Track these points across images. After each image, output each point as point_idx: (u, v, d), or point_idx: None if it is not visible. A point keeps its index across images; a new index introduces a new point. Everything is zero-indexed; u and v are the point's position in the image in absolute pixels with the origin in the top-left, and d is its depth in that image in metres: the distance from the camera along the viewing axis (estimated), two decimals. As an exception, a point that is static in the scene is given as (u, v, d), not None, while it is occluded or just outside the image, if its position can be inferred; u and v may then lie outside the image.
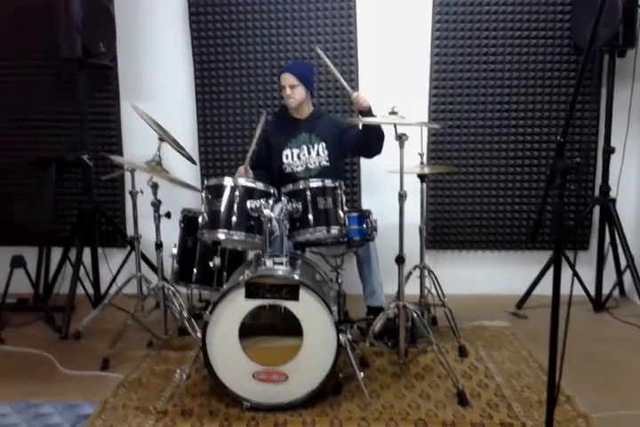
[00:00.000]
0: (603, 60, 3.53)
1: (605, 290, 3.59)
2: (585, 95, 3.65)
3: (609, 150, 3.49)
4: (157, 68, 3.90)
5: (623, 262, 3.49)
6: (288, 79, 3.16)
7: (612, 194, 3.53)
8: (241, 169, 3.14)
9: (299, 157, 3.28)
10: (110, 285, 3.74)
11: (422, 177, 3.03)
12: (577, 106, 3.64)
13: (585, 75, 3.51)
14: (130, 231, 3.64)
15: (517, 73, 3.69)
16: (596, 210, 3.62)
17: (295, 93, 3.17)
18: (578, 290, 3.50)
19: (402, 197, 2.57)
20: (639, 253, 3.48)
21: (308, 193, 2.53)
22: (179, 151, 3.08)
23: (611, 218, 3.48)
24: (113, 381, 2.65)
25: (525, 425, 2.20)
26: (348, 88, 2.97)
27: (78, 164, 3.68)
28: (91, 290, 3.77)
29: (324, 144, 3.26)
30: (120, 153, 3.96)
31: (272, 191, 2.58)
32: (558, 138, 1.76)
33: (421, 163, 3.05)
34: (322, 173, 3.22)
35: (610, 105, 3.47)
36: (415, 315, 2.62)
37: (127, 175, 3.51)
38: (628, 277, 3.52)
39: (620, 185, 3.56)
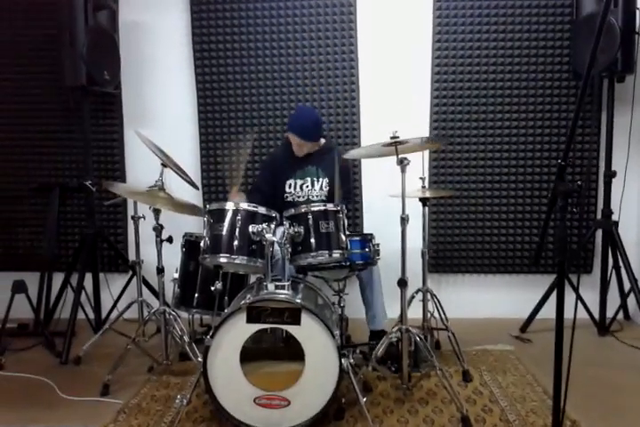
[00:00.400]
0: (602, 86, 3.58)
1: (609, 313, 3.56)
2: (585, 120, 3.69)
3: (610, 174, 3.51)
4: (161, 94, 3.95)
5: (627, 286, 3.47)
6: (295, 140, 3.26)
7: (615, 217, 3.54)
8: (233, 193, 3.18)
9: (302, 188, 3.33)
10: (111, 310, 3.73)
11: (424, 201, 3.04)
12: (577, 130, 3.68)
13: (585, 99, 3.55)
14: (132, 256, 3.64)
15: (518, 98, 3.73)
16: (599, 233, 3.62)
17: (303, 150, 3.29)
18: (582, 313, 3.47)
19: (404, 220, 2.57)
20: (643, 275, 3.46)
21: (310, 217, 2.54)
22: (181, 176, 3.10)
23: (613, 241, 3.48)
24: (113, 406, 2.62)
25: (531, 451, 2.16)
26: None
27: (81, 189, 3.70)
28: (92, 315, 3.75)
29: (327, 180, 3.33)
30: (123, 179, 3.99)
31: (274, 215, 2.59)
32: (559, 161, 1.77)
33: (423, 187, 3.07)
34: None
35: (610, 129, 3.50)
36: (418, 339, 2.61)
37: (130, 200, 3.54)
38: (631, 301, 3.50)
39: (621, 208, 3.56)
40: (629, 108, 3.57)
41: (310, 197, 3.33)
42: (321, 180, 3.33)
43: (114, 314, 3.60)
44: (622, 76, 3.42)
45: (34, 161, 4.00)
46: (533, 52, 3.69)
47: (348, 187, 3.44)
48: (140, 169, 3.90)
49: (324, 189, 3.33)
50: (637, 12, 3.28)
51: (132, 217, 3.29)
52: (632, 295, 3.41)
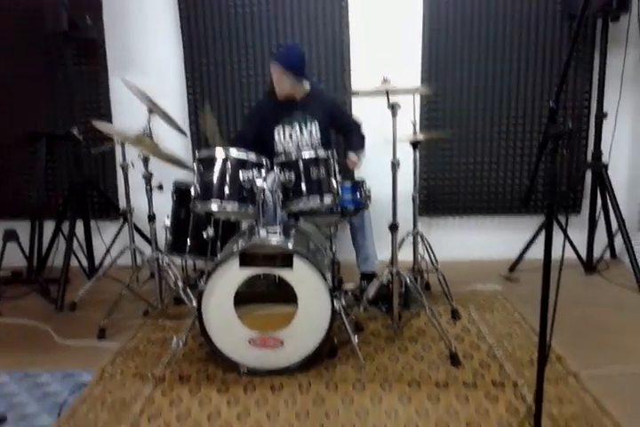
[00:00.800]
0: (596, 25, 3.50)
1: (597, 253, 3.63)
2: (578, 60, 3.62)
3: (601, 116, 3.49)
4: (145, 39, 3.84)
5: (614, 226, 3.51)
6: (277, 70, 3.11)
7: (605, 159, 3.54)
8: None
9: (290, 136, 3.25)
10: (104, 257, 3.75)
11: (415, 145, 3.03)
12: (570, 71, 3.61)
13: (578, 40, 3.47)
14: (122, 204, 3.64)
15: (510, 39, 3.65)
16: (589, 175, 3.63)
17: (282, 83, 3.13)
18: (569, 253, 3.55)
19: (394, 165, 2.57)
20: (630, 216, 3.51)
21: (301, 163, 2.52)
22: (169, 123, 3.06)
23: (603, 182, 3.50)
24: (110, 350, 2.68)
25: (517, 384, 2.25)
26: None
27: (68, 138, 3.66)
28: (85, 262, 3.78)
29: (317, 124, 3.24)
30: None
31: (264, 162, 2.57)
32: (550, 104, 1.75)
33: (414, 131, 3.04)
34: None
35: (603, 70, 3.45)
36: (408, 280, 2.65)
37: (118, 148, 3.50)
38: (619, 241, 3.55)
39: (612, 150, 3.56)
40: (622, 48, 3.50)
41: (300, 144, 3.25)
42: (309, 125, 3.23)
43: (107, 261, 3.62)
44: (617, 15, 3.34)
45: (19, 110, 3.92)
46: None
47: (346, 117, 3.37)
48: (127, 116, 3.81)
49: (315, 135, 3.25)
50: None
51: (121, 165, 3.28)
52: (619, 235, 3.45)
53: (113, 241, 3.74)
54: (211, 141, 3.21)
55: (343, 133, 3.34)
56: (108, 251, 3.72)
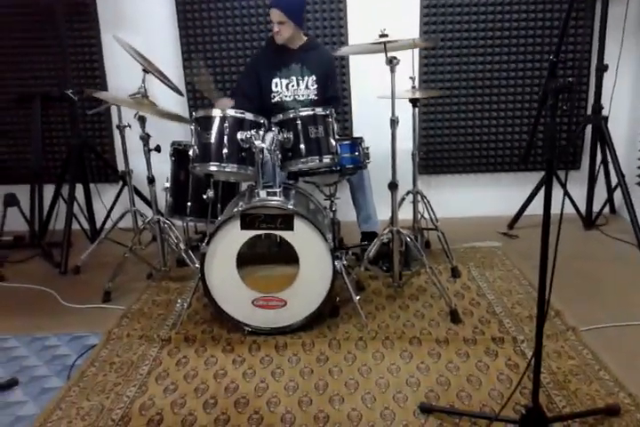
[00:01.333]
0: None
1: (596, 208, 3.64)
2: (579, 11, 3.53)
3: (602, 68, 3.42)
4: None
5: (614, 181, 3.50)
6: (276, 15, 3.05)
7: (605, 112, 3.50)
8: (220, 101, 3.14)
9: (287, 87, 3.23)
10: (105, 220, 3.76)
11: (414, 102, 2.98)
12: (570, 23, 3.52)
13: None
14: (120, 166, 3.62)
15: (511, -12, 3.56)
16: (589, 129, 3.60)
17: (282, 30, 3.08)
18: (569, 209, 3.56)
19: (393, 122, 2.54)
20: (630, 171, 3.50)
21: (299, 122, 2.50)
22: (164, 82, 3.00)
23: (602, 137, 3.47)
24: (115, 312, 2.72)
25: (516, 339, 2.29)
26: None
27: (63, 99, 3.60)
28: (86, 225, 3.79)
29: (314, 77, 3.21)
30: (104, 86, 3.87)
31: (262, 121, 2.55)
32: (551, 57, 1.71)
33: (413, 87, 2.99)
34: (311, 105, 3.17)
35: (604, 21, 3.36)
36: (409, 239, 2.67)
37: (114, 109, 3.45)
38: (618, 195, 3.55)
39: (612, 103, 3.51)
40: (625, -2, 3.40)
41: (297, 96, 3.23)
42: (306, 78, 3.21)
43: (108, 224, 3.64)
44: (621, -40, 3.24)
45: (11, 71, 3.85)
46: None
47: (334, 85, 3.36)
48: (122, 76, 3.77)
49: (311, 87, 3.22)
50: None
51: (118, 126, 3.24)
52: (619, 190, 3.45)
53: (113, 204, 3.74)
54: (208, 96, 3.16)
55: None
56: (108, 214, 3.74)
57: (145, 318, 2.66)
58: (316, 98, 3.22)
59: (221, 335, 2.43)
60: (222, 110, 2.49)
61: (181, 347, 2.37)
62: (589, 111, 3.59)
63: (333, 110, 2.58)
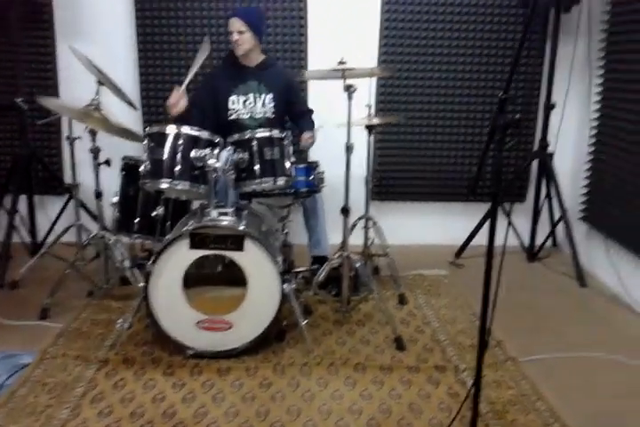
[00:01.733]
0: (548, 16, 3.54)
1: (539, 241, 3.75)
2: (530, 50, 3.68)
3: (550, 106, 3.56)
4: (96, 4, 3.66)
5: (557, 214, 3.62)
6: (236, 24, 3.05)
7: (551, 148, 3.63)
8: (173, 96, 2.95)
9: (244, 104, 3.22)
10: (48, 233, 3.63)
11: (370, 129, 3.03)
12: (521, 61, 3.66)
13: (530, 30, 3.51)
14: (68, 179, 3.52)
15: (466, 25, 3.67)
16: (535, 163, 3.72)
17: (243, 40, 3.07)
18: (513, 241, 3.65)
19: (349, 148, 2.57)
20: (573, 206, 3.63)
21: (255, 143, 2.50)
22: (119, 96, 2.96)
23: (548, 172, 3.59)
24: (52, 330, 2.62)
25: (458, 368, 2.32)
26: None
27: (12, 107, 3.49)
28: (28, 239, 3.65)
29: (271, 95, 3.21)
30: (56, 96, 3.77)
31: (217, 140, 2.53)
32: (500, 94, 1.78)
33: (369, 114, 3.04)
34: (267, 123, 3.18)
35: (553, 61, 3.51)
36: (358, 265, 2.68)
37: (65, 120, 3.37)
38: (560, 229, 3.67)
39: (558, 140, 3.65)
40: (573, 39, 3.56)
41: (253, 114, 3.22)
42: (263, 96, 3.21)
43: (51, 238, 3.52)
44: (568, 6, 3.39)
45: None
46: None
47: (301, 100, 3.38)
48: (76, 87, 3.66)
49: (268, 105, 3.22)
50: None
51: (68, 138, 3.16)
52: (561, 224, 3.57)
53: (57, 217, 3.63)
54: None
55: (296, 117, 3.33)
56: (52, 227, 3.61)
57: (83, 337, 2.56)
58: (272, 116, 3.22)
59: (162, 358, 2.37)
60: (177, 127, 2.45)
61: (119, 369, 2.29)
62: (536, 147, 3.72)
63: (290, 133, 2.60)
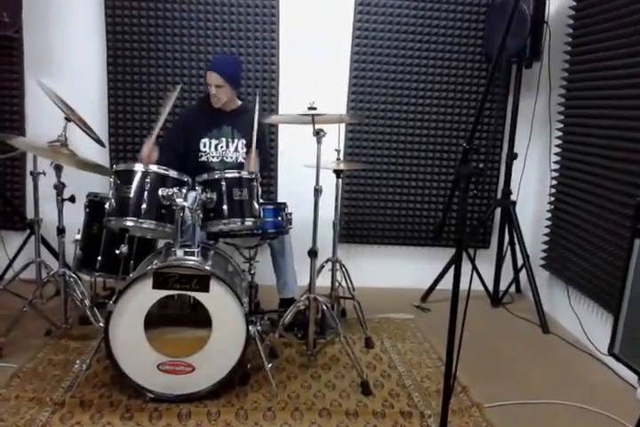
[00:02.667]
0: (511, 71, 3.72)
1: (503, 286, 3.80)
2: (493, 103, 3.84)
3: (512, 156, 3.69)
4: (67, 41, 3.68)
5: (520, 261, 3.69)
6: (214, 79, 3.11)
7: (513, 197, 3.73)
8: (145, 149, 3.04)
9: (216, 148, 3.26)
10: (6, 269, 3.51)
11: (338, 173, 3.07)
12: (485, 113, 3.82)
13: (493, 84, 3.68)
14: (30, 214, 3.45)
15: (432, 77, 3.81)
16: (498, 211, 3.81)
17: (220, 93, 3.14)
18: (478, 286, 3.69)
19: (317, 191, 2.60)
20: (534, 253, 3.70)
21: (224, 183, 2.51)
22: (86, 132, 2.94)
23: (510, 219, 3.68)
24: (6, 371, 2.51)
25: (424, 414, 2.30)
26: None
27: (-25, 140, 3.44)
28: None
29: (244, 141, 3.25)
30: (22, 131, 3.72)
31: (186, 180, 2.53)
32: (464, 144, 1.85)
33: (338, 159, 3.09)
34: (237, 168, 3.20)
35: (515, 113, 3.66)
36: (325, 307, 2.67)
37: (29, 155, 3.33)
38: (523, 275, 3.73)
39: (520, 188, 3.76)
40: (534, 93, 3.72)
41: (225, 157, 3.26)
42: (236, 141, 3.26)
43: (9, 274, 3.41)
44: (530, 62, 3.56)
45: None
46: (449, 32, 3.76)
47: (265, 149, 3.40)
48: (42, 122, 3.65)
49: (240, 150, 3.26)
50: (547, 2, 3.41)
51: (32, 173, 3.12)
52: (524, 270, 3.63)
53: (17, 253, 3.53)
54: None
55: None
56: (10, 263, 3.50)
57: (38, 378, 2.46)
58: (243, 161, 3.25)
59: (121, 401, 2.28)
60: (145, 164, 2.46)
61: (75, 412, 2.19)
62: (500, 195, 3.82)
63: (259, 174, 2.62)
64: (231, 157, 3.26)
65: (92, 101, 3.72)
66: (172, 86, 3.67)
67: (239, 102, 3.32)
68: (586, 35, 3.27)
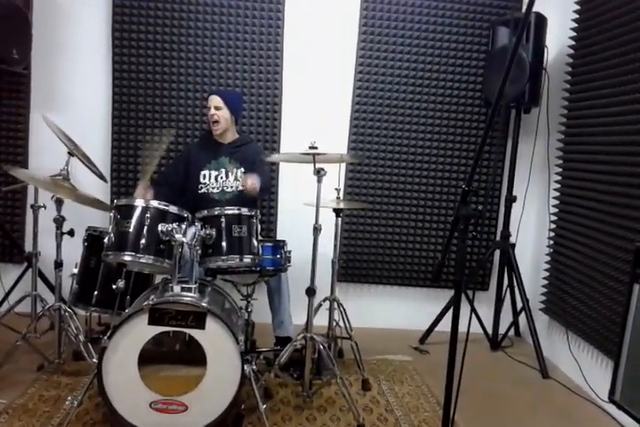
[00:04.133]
0: (510, 115, 3.78)
1: (502, 329, 3.75)
2: (492, 146, 3.89)
3: (511, 199, 3.71)
4: (74, 79, 3.76)
5: (519, 304, 3.67)
6: (214, 101, 3.24)
7: (512, 239, 3.74)
8: (139, 189, 3.11)
9: (216, 179, 3.31)
10: (1, 302, 3.48)
11: (337, 212, 3.09)
12: (484, 156, 3.88)
13: (492, 128, 3.75)
14: (28, 247, 3.45)
15: (432, 120, 3.87)
16: (497, 253, 3.81)
17: (219, 116, 3.24)
18: (477, 328, 3.65)
19: (316, 229, 2.61)
20: (534, 295, 3.68)
21: (223, 220, 2.52)
22: (89, 167, 2.97)
23: (510, 261, 3.67)
24: (-5, 407, 2.46)
25: (421, 461, 2.24)
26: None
27: (-23, 174, 3.48)
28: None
29: (242, 170, 3.31)
30: (25, 164, 3.76)
31: (185, 215, 2.54)
32: (463, 186, 1.87)
33: (338, 197, 3.11)
34: (237, 197, 3.25)
35: (514, 157, 3.71)
36: (322, 347, 2.64)
37: (30, 188, 3.35)
38: (523, 319, 3.70)
39: (519, 231, 3.77)
40: (533, 138, 3.78)
41: (225, 187, 3.31)
42: (235, 170, 3.31)
43: (4, 307, 3.37)
44: (528, 107, 3.63)
45: None
46: (449, 77, 3.85)
47: (265, 179, 3.35)
48: (45, 156, 3.68)
49: (240, 179, 3.30)
50: (546, 49, 3.50)
51: (32, 206, 3.13)
52: (523, 314, 3.60)
53: (13, 286, 3.50)
54: (142, 173, 3.14)
55: None
56: (6, 296, 3.47)
57: (28, 415, 2.40)
58: (243, 189, 3.25)
59: (111, 440, 2.23)
60: (145, 201, 2.47)
61: (64, 451, 2.14)
62: (499, 237, 3.82)
63: (258, 211, 2.63)
64: (231, 187, 3.31)
65: (96, 137, 3.78)
66: (177, 129, 3.76)
67: (237, 135, 3.40)
68: (584, 82, 3.34)
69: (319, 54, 3.82)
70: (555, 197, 3.62)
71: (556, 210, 3.59)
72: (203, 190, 3.31)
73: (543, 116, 3.68)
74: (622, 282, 2.75)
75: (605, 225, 2.98)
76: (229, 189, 3.30)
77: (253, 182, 3.09)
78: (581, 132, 3.38)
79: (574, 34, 3.44)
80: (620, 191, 2.88)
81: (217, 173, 3.32)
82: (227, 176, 3.31)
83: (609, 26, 3.07)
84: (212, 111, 3.23)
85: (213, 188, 3.31)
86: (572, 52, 3.47)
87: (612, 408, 2.71)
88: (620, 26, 2.97)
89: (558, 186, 3.59)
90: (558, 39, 3.62)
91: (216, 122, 3.25)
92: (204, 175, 3.31)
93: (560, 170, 3.58)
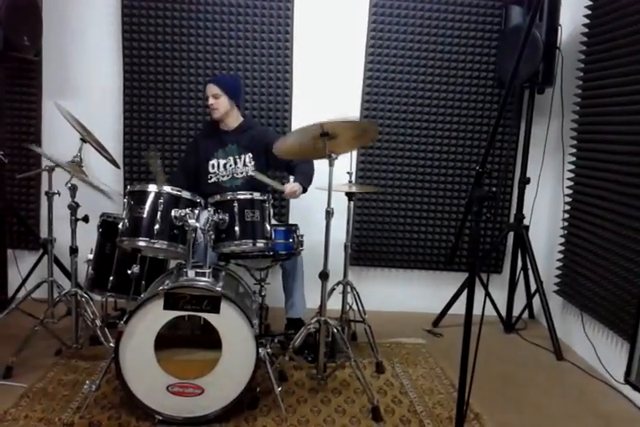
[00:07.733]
0: (523, 96, 3.73)
1: (516, 312, 3.75)
2: (506, 127, 3.84)
3: (524, 181, 3.68)
4: (85, 65, 3.76)
5: (533, 286, 3.65)
6: (211, 89, 3.21)
7: (526, 222, 3.71)
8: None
9: (225, 167, 3.30)
10: (19, 289, 3.54)
11: (350, 195, 3.08)
12: (497, 137, 3.84)
13: (506, 108, 3.70)
14: (43, 234, 3.48)
15: (445, 101, 3.83)
16: (511, 236, 3.79)
17: (218, 104, 3.21)
18: (490, 311, 3.65)
19: (329, 213, 2.60)
20: (548, 277, 3.67)
21: (236, 205, 2.52)
22: (101, 154, 2.99)
23: (523, 244, 3.65)
24: (16, 390, 2.50)
25: (436, 441, 2.25)
26: (280, 187, 3.03)
27: (-8, 161, 3.50)
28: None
29: (250, 155, 3.29)
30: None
31: (198, 201, 2.55)
32: (477, 168, 1.85)
33: (350, 181, 3.10)
34: (248, 182, 3.24)
35: (527, 138, 3.67)
36: (335, 330, 2.65)
37: (44, 175, 3.37)
38: (537, 301, 3.69)
39: (533, 213, 3.74)
40: (546, 118, 3.74)
41: (235, 174, 3.29)
42: (243, 156, 3.29)
43: (21, 293, 3.42)
44: (542, 87, 3.57)
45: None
46: (462, 57, 3.79)
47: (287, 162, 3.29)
48: (58, 143, 3.70)
49: (249, 164, 3.28)
50: (560, 28, 3.43)
51: (46, 193, 3.14)
52: (537, 296, 3.59)
53: (30, 272, 3.55)
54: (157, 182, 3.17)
55: (290, 169, 3.28)
56: (23, 283, 3.52)
57: (47, 398, 2.45)
58: (253, 174, 3.21)
59: (129, 423, 2.26)
60: (158, 187, 2.48)
61: (83, 433, 2.18)
62: (512, 219, 3.80)
63: (270, 196, 2.63)
64: (241, 173, 3.30)
65: (108, 123, 3.78)
66: (188, 114, 3.75)
67: (241, 119, 3.36)
68: (598, 61, 3.29)
69: (329, 36, 3.78)
70: (569, 179, 3.58)
71: (570, 191, 3.56)
72: (213, 180, 3.30)
73: (557, 96, 3.63)
74: (637, 263, 2.73)
75: (620, 206, 2.95)
76: (239, 175, 3.29)
77: (293, 189, 3.02)
78: (596, 112, 3.33)
79: (588, 12, 3.37)
80: (636, 172, 2.84)
81: (225, 161, 3.30)
82: (235, 163, 3.30)
83: (624, 3, 3.01)
84: (211, 100, 3.21)
85: (223, 176, 3.30)
86: (586, 30, 3.40)
87: (627, 389, 2.70)
88: (635, 3, 2.91)
89: (572, 167, 3.56)
90: (572, 18, 3.55)
91: (215, 110, 3.23)
92: (213, 165, 3.30)
93: (574, 151, 3.54)
